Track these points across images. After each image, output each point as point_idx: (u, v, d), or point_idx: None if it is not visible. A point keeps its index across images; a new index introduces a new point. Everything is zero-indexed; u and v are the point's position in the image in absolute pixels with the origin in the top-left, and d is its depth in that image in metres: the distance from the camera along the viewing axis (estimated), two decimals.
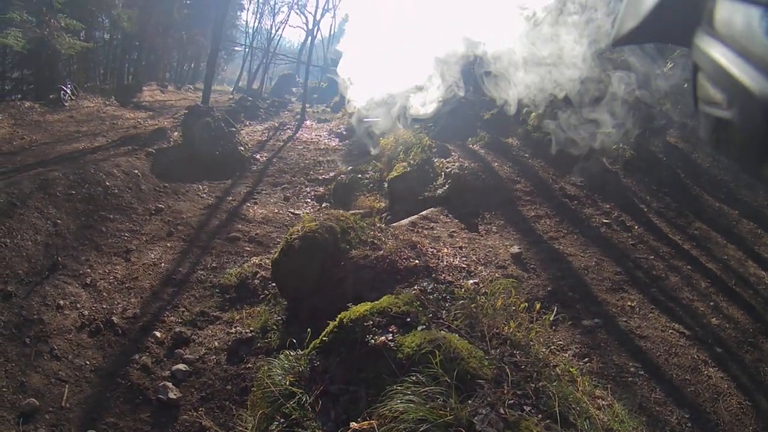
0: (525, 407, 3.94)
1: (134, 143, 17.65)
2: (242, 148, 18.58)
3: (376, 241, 8.05)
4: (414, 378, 4.18)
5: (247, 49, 49.50)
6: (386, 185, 14.70)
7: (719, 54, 0.90)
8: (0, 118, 18.25)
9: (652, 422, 6.11)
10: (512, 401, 3.94)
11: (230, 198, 15.20)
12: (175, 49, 44.40)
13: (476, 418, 3.67)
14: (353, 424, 4.22)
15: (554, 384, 4.23)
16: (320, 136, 22.08)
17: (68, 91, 23.60)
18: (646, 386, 6.87)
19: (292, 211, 14.71)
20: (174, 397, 7.29)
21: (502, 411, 3.78)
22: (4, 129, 17.72)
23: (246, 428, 5.53)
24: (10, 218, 10.18)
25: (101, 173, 13.28)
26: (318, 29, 51.17)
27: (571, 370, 4.98)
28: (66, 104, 22.96)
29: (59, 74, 26.76)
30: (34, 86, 26.94)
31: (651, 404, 6.54)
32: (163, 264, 10.76)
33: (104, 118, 22.55)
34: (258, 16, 63.74)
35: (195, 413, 7.13)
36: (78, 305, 8.98)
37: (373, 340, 4.91)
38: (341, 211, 9.17)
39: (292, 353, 5.61)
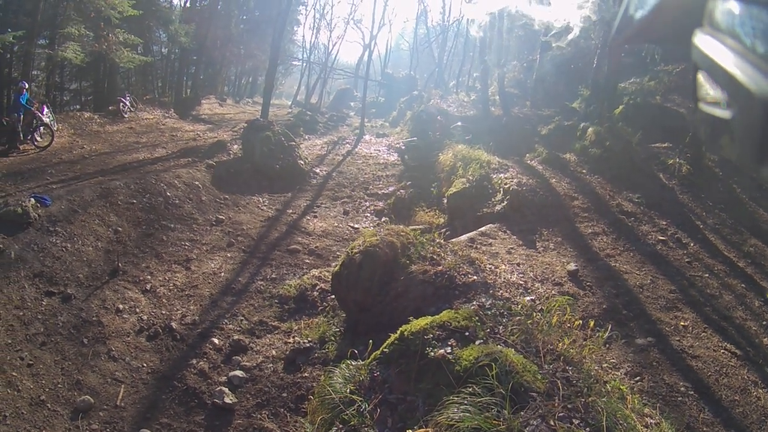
0: (574, 420, 4.01)
1: (194, 155, 18.03)
2: (302, 162, 18.79)
3: (435, 257, 8.10)
4: (470, 389, 4.28)
5: (304, 64, 49.86)
6: (445, 201, 14.74)
7: (719, 54, 0.93)
8: (60, 128, 18.70)
9: None
10: (562, 414, 4.01)
11: (290, 211, 15.42)
12: (233, 63, 44.89)
13: (527, 428, 3.78)
14: None
15: (603, 400, 4.27)
16: (379, 150, 22.24)
17: (127, 102, 24.26)
18: (695, 406, 6.81)
19: (352, 225, 14.85)
20: (230, 401, 7.48)
21: (552, 423, 3.87)
22: (64, 138, 18.23)
23: None
24: (72, 224, 10.63)
25: (162, 183, 13.72)
26: (375, 44, 51.48)
27: (621, 387, 5.01)
28: (125, 116, 23.62)
29: (118, 86, 27.49)
30: (93, 98, 27.50)
31: (699, 424, 6.48)
32: (222, 273, 11.02)
33: (163, 130, 23.13)
34: (315, 31, 64.40)
35: (254, 416, 7.31)
36: (137, 310, 9.32)
37: (432, 353, 5.02)
38: (401, 227, 9.27)
39: (353, 363, 5.75)
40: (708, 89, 0.98)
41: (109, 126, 21.78)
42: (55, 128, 17.58)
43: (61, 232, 10.34)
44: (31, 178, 13.61)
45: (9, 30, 17.60)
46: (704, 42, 0.97)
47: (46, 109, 17.08)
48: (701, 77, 1.01)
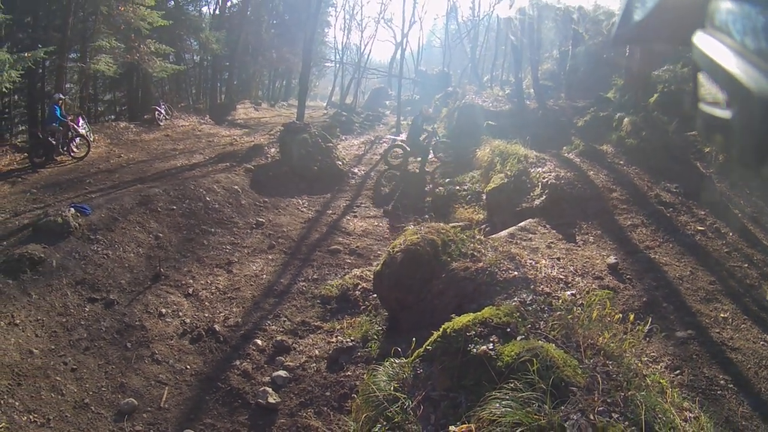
0: (613, 414, 4.06)
1: (232, 160, 18.21)
2: (340, 163, 18.90)
3: (476, 253, 8.14)
4: (512, 385, 4.34)
5: (337, 65, 50.03)
6: (484, 197, 14.79)
7: (719, 54, 0.93)
8: (96, 138, 19.16)
9: None
10: (602, 408, 4.07)
11: (330, 211, 15.54)
12: (266, 67, 45.28)
13: (567, 422, 3.85)
14: (453, 428, 4.45)
15: (642, 394, 4.30)
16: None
17: (162, 111, 24.77)
18: (735, 399, 6.77)
19: (392, 223, 14.94)
20: (273, 401, 7.56)
21: (591, 417, 3.93)
22: (101, 148, 18.68)
23: (348, 430, 5.85)
24: (112, 232, 10.92)
25: (201, 189, 13.96)
26: (407, 42, 51.53)
27: (661, 381, 4.99)
28: (161, 123, 24.16)
29: (152, 95, 28.14)
30: (127, 107, 28.12)
31: (738, 418, 6.45)
32: (264, 275, 11.16)
33: (200, 136, 23.52)
34: (346, 31, 64.60)
35: (298, 415, 7.39)
36: (180, 313, 9.50)
37: (474, 350, 5.09)
38: (441, 224, 9.29)
39: (396, 361, 5.83)
40: (708, 89, 0.99)
41: (145, 134, 22.28)
42: (92, 139, 18.14)
43: (102, 240, 10.62)
44: (70, 189, 14.06)
45: (40, 46, 18.04)
46: (704, 42, 0.98)
47: (81, 121, 17.59)
48: (701, 77, 1.02)
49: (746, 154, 0.90)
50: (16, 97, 22.96)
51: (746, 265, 10.46)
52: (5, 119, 23.06)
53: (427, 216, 15.29)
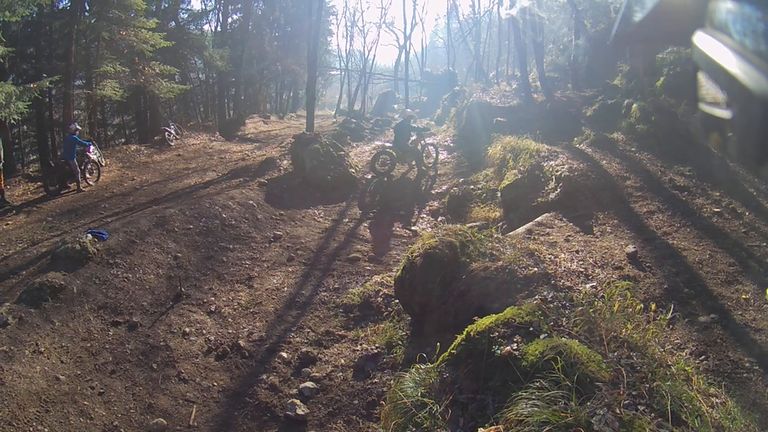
0: (639, 407, 4.07)
1: (245, 174, 18.41)
2: (353, 170, 18.89)
3: (494, 252, 8.13)
4: (537, 384, 4.36)
5: (343, 73, 50.08)
6: (499, 194, 14.74)
7: (719, 54, 0.92)
8: (108, 162, 19.42)
9: (765, 419, 6.00)
10: (627, 401, 4.08)
11: (346, 220, 15.57)
12: (272, 80, 45.60)
13: (594, 418, 3.86)
14: (481, 430, 4.48)
15: (667, 384, 4.30)
16: (429, 149, 22.22)
17: (172, 131, 25.06)
18: (761, 381, 6.75)
19: (411, 228, 14.97)
20: (302, 413, 7.58)
21: (617, 411, 3.94)
22: (114, 172, 18.94)
23: None
24: (131, 255, 11.02)
25: (216, 206, 14.04)
26: (410, 44, 51.55)
27: (686, 368, 4.98)
28: (172, 144, 24.43)
29: (160, 116, 28.50)
30: (137, 130, 28.59)
31: (765, 400, 6.41)
32: (285, 288, 11.20)
33: (211, 153, 23.67)
34: (348, 38, 64.68)
35: (327, 426, 7.43)
36: (204, 331, 9.58)
37: (499, 351, 5.11)
38: (459, 226, 9.28)
39: (422, 366, 5.85)
40: (708, 89, 0.99)
41: (156, 155, 22.55)
42: (103, 163, 18.43)
43: (121, 264, 10.71)
44: (86, 214, 14.32)
45: (45, 75, 18.34)
46: (704, 42, 0.97)
47: (92, 147, 17.73)
48: (701, 77, 1.01)
49: (746, 154, 0.90)
50: (25, 127, 23.32)
51: (765, 244, 10.44)
52: (16, 150, 23.40)
53: (442, 218, 15.33)
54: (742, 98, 0.86)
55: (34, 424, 6.87)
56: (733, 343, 7.48)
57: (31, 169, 20.25)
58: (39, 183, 17.24)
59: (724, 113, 0.94)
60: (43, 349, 8.13)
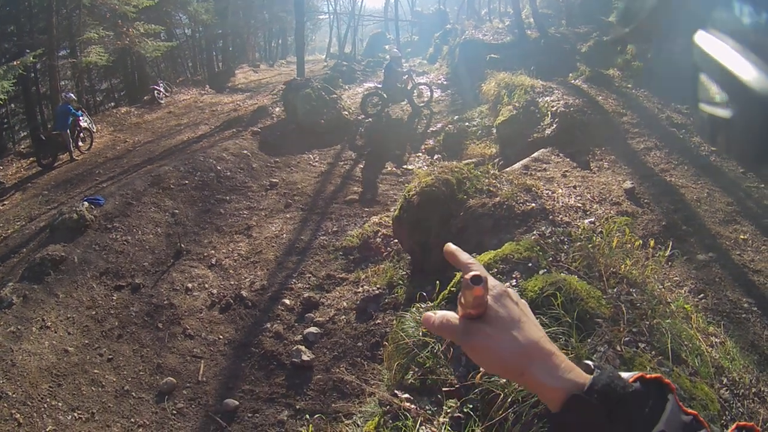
0: (639, 344, 4.07)
1: (238, 125, 18.35)
2: (346, 113, 18.71)
3: (492, 188, 8.09)
4: (538, 320, 4.36)
5: (331, 16, 49.31)
6: (494, 131, 14.67)
7: (719, 54, 0.92)
8: (99, 128, 19.28)
9: (763, 361, 6.01)
10: (628, 339, 4.05)
11: (341, 162, 15.52)
12: (259, 29, 44.90)
13: (595, 355, 3.84)
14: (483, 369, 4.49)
15: (667, 321, 4.30)
16: (421, 89, 21.97)
17: (161, 89, 24.86)
18: (759, 323, 6.79)
19: (405, 167, 14.92)
20: (307, 359, 7.66)
21: (618, 348, 3.91)
22: (105, 137, 18.86)
23: (382, 380, 5.91)
24: (128, 217, 11.02)
25: (211, 159, 13.99)
26: None
27: (685, 306, 4.97)
28: (162, 102, 24.27)
29: (148, 76, 28.11)
30: (126, 92, 28.12)
31: (763, 342, 6.48)
32: (284, 235, 11.22)
33: (203, 107, 23.52)
34: None
35: (333, 370, 7.48)
36: (206, 285, 9.62)
37: None
38: (455, 163, 9.26)
39: (422, 305, 5.79)
40: (709, 89, 0.99)
41: (147, 115, 22.47)
42: (94, 129, 18.29)
43: (120, 227, 10.72)
44: (81, 183, 14.34)
45: (28, 51, 18.01)
46: (704, 42, 0.97)
47: (82, 114, 17.47)
48: (701, 77, 1.01)
49: (746, 153, 0.94)
50: (12, 105, 23.01)
51: (762, 185, 10.39)
52: (6, 129, 23.19)
53: (438, 156, 15.27)
54: (742, 98, 0.86)
55: (48, 399, 6.93)
56: (731, 282, 7.53)
57: (22, 146, 19.96)
58: (31, 159, 17.21)
59: (724, 113, 0.94)
60: (49, 323, 8.16)
